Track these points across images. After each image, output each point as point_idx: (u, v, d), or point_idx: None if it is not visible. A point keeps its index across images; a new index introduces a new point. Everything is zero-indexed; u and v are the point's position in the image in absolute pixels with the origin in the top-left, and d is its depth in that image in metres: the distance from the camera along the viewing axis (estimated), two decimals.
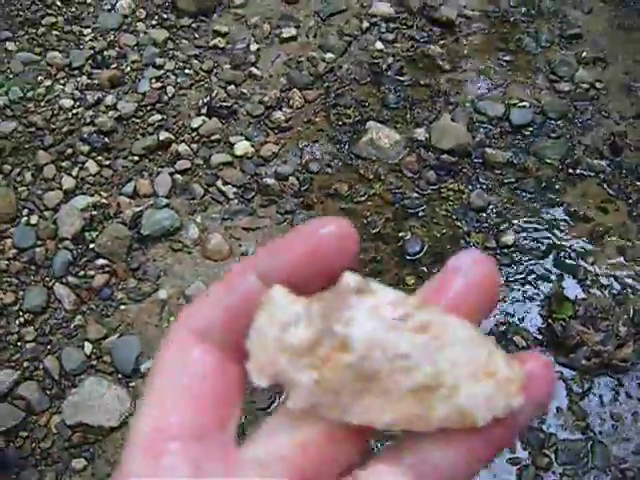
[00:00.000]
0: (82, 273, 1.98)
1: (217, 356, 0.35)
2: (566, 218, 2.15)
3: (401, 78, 2.46)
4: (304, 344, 0.33)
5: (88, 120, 2.27)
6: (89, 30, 2.53)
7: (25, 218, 2.07)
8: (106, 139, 2.24)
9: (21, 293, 1.94)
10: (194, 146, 2.25)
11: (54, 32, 2.52)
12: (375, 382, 0.32)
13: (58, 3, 2.60)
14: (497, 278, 0.35)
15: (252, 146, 2.25)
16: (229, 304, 0.35)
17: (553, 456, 1.74)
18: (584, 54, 2.56)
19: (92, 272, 1.98)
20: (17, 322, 1.90)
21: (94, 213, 2.07)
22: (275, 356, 0.33)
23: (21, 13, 2.55)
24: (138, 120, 2.30)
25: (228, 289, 0.36)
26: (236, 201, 2.14)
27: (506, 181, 2.21)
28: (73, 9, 2.59)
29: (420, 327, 0.32)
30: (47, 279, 1.97)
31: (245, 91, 2.40)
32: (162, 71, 2.43)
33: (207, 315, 0.36)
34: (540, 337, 1.91)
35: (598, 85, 2.47)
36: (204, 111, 2.33)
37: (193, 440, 0.34)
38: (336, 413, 0.33)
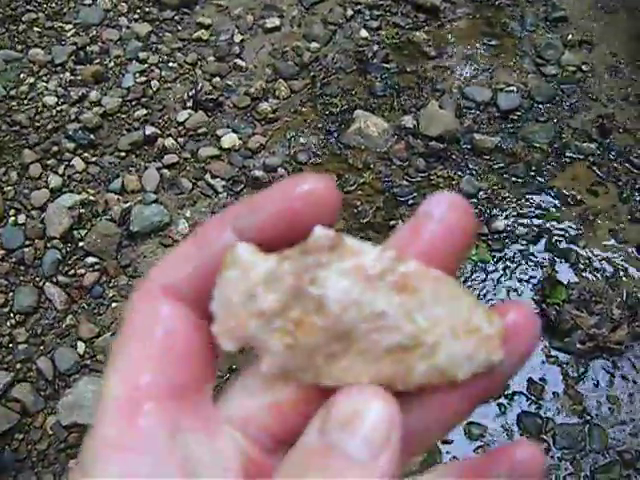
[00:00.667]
0: (72, 272, 1.97)
1: (189, 313, 0.34)
2: (556, 202, 2.14)
3: (387, 66, 2.45)
4: (274, 308, 0.31)
5: (73, 117, 2.25)
6: (70, 26, 2.50)
7: (12, 218, 2.05)
8: (92, 135, 2.21)
9: (11, 294, 1.92)
10: (181, 140, 2.23)
11: (35, 28, 2.49)
12: (351, 343, 0.30)
13: None
14: (472, 221, 0.34)
15: (239, 138, 2.23)
16: (201, 260, 0.33)
17: (551, 441, 1.74)
18: (570, 37, 2.55)
19: (82, 270, 1.97)
20: (8, 324, 1.88)
21: (82, 211, 2.05)
22: (243, 320, 0.31)
23: (0, 10, 2.52)
24: (123, 115, 2.28)
25: (201, 244, 0.34)
26: (225, 194, 2.13)
27: (495, 167, 2.21)
28: (53, 5, 2.56)
29: (398, 284, 0.30)
30: (37, 279, 1.95)
31: (230, 83, 2.38)
32: (146, 65, 2.41)
33: (178, 271, 0.34)
34: None
35: (585, 68, 2.47)
36: (190, 104, 2.32)
37: (169, 399, 0.32)
38: (311, 376, 0.31)
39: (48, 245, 1.99)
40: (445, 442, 1.73)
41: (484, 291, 1.96)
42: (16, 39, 2.46)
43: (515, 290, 1.97)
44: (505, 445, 0.33)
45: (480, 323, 0.31)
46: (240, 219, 0.33)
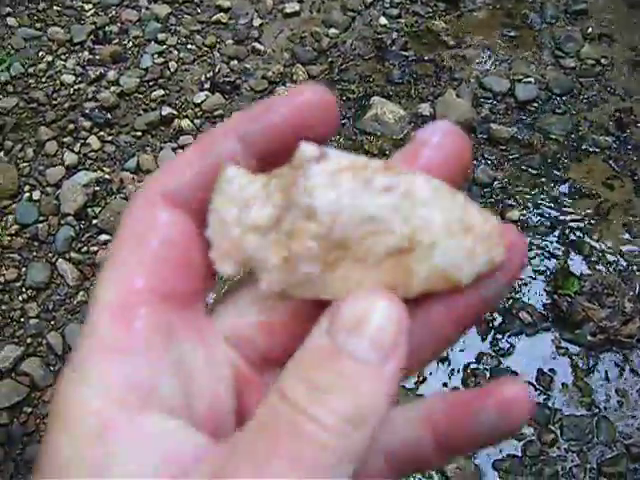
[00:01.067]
0: (85, 249, 1.97)
1: (187, 221, 0.33)
2: (571, 194, 2.13)
3: (405, 53, 2.44)
4: (266, 221, 0.31)
5: (90, 96, 2.25)
6: (90, 5, 2.50)
7: (27, 194, 2.05)
8: (108, 115, 2.22)
9: (24, 269, 1.93)
10: (197, 121, 2.23)
11: (55, 7, 2.49)
12: (347, 251, 0.30)
13: None
14: (468, 147, 0.34)
15: None
16: (204, 167, 0.33)
17: (558, 432, 1.74)
18: (589, 30, 2.54)
19: (95, 248, 1.97)
20: (20, 298, 1.89)
21: (97, 189, 2.06)
22: (239, 240, 0.31)
23: None
24: (140, 95, 2.28)
25: (204, 151, 0.34)
26: None
27: (511, 157, 2.20)
28: None
29: (387, 187, 0.30)
30: (50, 255, 1.96)
31: (248, 66, 2.38)
32: (164, 46, 2.41)
33: (179, 177, 0.33)
34: (545, 313, 1.90)
35: (604, 61, 2.45)
36: (207, 86, 2.32)
37: (163, 304, 0.32)
38: (311, 292, 0.31)
39: (62, 222, 2.00)
40: None
41: None
42: (35, 17, 2.46)
43: (527, 280, 1.96)
44: (491, 384, 0.33)
45: (476, 221, 0.31)
46: (244, 127, 0.33)
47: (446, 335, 0.34)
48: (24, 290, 1.90)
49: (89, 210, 2.02)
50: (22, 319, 1.86)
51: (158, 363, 0.31)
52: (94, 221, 2.01)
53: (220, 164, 0.33)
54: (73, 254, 1.95)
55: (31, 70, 2.32)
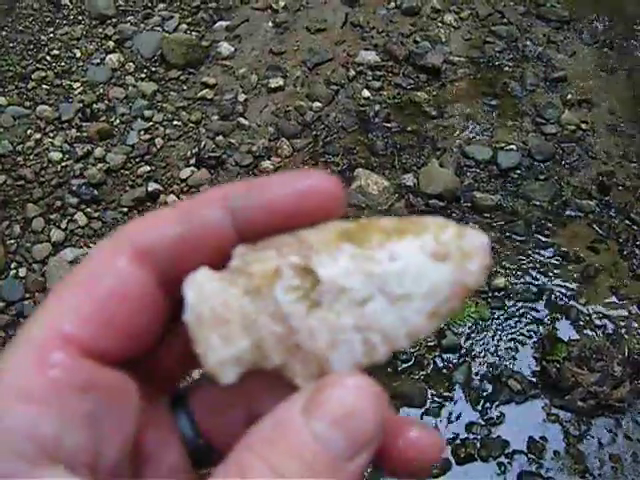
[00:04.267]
0: None
1: (151, 282, 0.32)
2: (557, 259, 2.14)
3: (388, 125, 2.48)
4: (248, 352, 0.32)
5: (77, 172, 2.28)
6: (78, 84, 2.55)
7: (14, 271, 2.06)
8: (95, 191, 2.24)
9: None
10: (183, 197, 2.25)
11: (44, 86, 2.54)
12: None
13: (48, 58, 2.62)
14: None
15: None
16: (185, 230, 0.33)
17: None
18: (569, 96, 2.58)
19: None
20: None
21: None
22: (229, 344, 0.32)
23: (11, 68, 2.58)
24: (127, 172, 2.31)
25: (188, 214, 0.33)
26: None
27: (495, 224, 2.21)
28: (63, 63, 2.61)
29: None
30: None
31: (233, 141, 2.41)
32: (151, 123, 2.45)
33: (156, 234, 0.33)
34: (534, 380, 1.89)
35: (584, 126, 2.49)
36: (193, 162, 2.34)
37: (86, 359, 0.30)
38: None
39: None
40: None
41: (483, 348, 1.95)
42: (25, 96, 2.50)
43: (515, 347, 1.96)
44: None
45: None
46: (236, 199, 0.33)
47: None
48: None
49: None
50: None
51: (66, 415, 0.29)
52: None
53: (202, 231, 0.32)
54: None
55: (19, 148, 2.35)
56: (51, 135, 2.40)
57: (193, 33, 2.73)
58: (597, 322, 2.00)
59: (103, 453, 0.31)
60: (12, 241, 2.12)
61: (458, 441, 1.79)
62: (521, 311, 2.03)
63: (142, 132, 2.41)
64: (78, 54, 2.65)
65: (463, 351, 1.94)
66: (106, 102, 2.50)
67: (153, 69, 2.62)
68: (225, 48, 2.69)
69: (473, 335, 1.98)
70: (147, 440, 0.34)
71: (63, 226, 2.16)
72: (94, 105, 2.48)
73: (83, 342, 0.31)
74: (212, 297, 0.32)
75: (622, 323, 2.00)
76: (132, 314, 0.32)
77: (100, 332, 0.31)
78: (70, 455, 0.29)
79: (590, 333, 1.98)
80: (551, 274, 2.11)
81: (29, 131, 2.40)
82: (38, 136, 2.39)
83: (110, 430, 0.31)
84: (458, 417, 1.83)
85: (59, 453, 0.29)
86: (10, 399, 0.29)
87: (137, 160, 2.34)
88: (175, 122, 2.46)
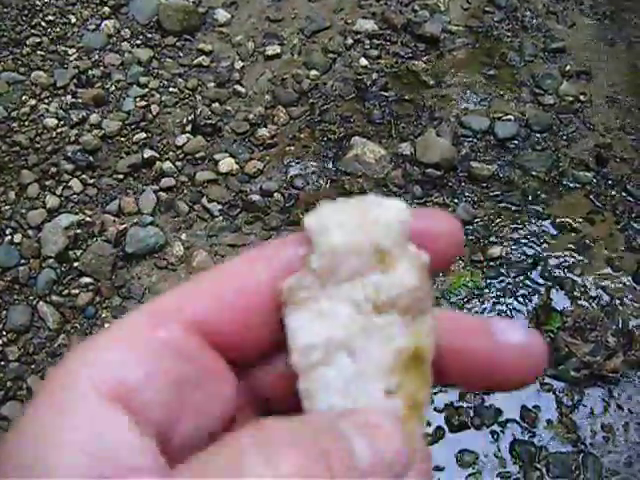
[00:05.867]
0: (66, 292, 1.97)
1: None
2: (553, 230, 2.14)
3: (386, 94, 2.46)
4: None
5: (72, 139, 2.26)
6: (74, 50, 2.53)
7: (8, 237, 2.05)
8: (90, 158, 2.23)
9: (4, 312, 1.92)
10: (179, 164, 2.24)
11: (39, 52, 2.51)
12: None
13: (43, 24, 2.60)
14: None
15: (237, 163, 2.24)
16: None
17: (544, 469, 1.72)
18: (568, 67, 2.57)
19: (76, 291, 1.97)
20: (0, 341, 1.88)
21: (78, 231, 2.06)
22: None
23: (5, 34, 2.55)
24: (123, 138, 2.29)
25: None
26: (221, 218, 2.13)
27: (492, 194, 2.21)
28: (58, 29, 2.59)
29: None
30: (31, 298, 1.95)
31: (230, 109, 2.40)
32: (146, 90, 2.43)
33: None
34: None
35: (582, 98, 2.48)
36: (189, 129, 2.33)
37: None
38: None
39: (43, 265, 2.00)
40: (437, 469, 1.71)
41: None
42: (19, 62, 2.48)
43: (509, 316, 1.96)
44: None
45: None
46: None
47: None
48: (4, 333, 1.89)
49: (70, 253, 2.02)
50: (2, 362, 1.84)
51: (156, 370, 0.30)
52: (75, 264, 2.00)
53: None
54: (54, 297, 1.95)
55: (14, 114, 2.33)
56: (46, 101, 2.38)
57: None
58: (592, 293, 2.01)
59: (179, 424, 0.30)
60: (7, 207, 2.11)
61: (452, 409, 1.80)
62: (516, 281, 2.03)
63: (138, 99, 2.40)
64: (73, 20, 2.62)
65: None
66: (102, 68, 2.48)
67: (149, 35, 2.59)
68: (222, 15, 2.67)
69: (468, 304, 1.98)
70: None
71: (58, 192, 2.15)
72: (89, 71, 2.46)
73: (199, 320, 0.31)
74: None
75: (617, 294, 2.01)
76: (250, 306, 0.32)
77: (217, 316, 0.32)
78: (141, 408, 0.29)
79: (585, 304, 1.98)
80: (546, 245, 2.11)
81: (24, 97, 2.39)
82: (33, 102, 2.37)
83: (195, 406, 0.31)
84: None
85: (131, 401, 0.29)
86: (112, 343, 0.30)
87: (133, 127, 2.32)
88: (171, 89, 2.44)
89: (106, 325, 1.92)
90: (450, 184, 2.21)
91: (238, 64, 2.53)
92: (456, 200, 2.18)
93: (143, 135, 2.30)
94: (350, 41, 2.61)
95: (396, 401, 0.31)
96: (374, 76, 2.51)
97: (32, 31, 2.57)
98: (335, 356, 0.31)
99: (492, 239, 2.11)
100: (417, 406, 0.31)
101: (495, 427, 1.78)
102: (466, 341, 0.33)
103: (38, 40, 2.55)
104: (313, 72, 2.51)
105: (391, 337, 0.31)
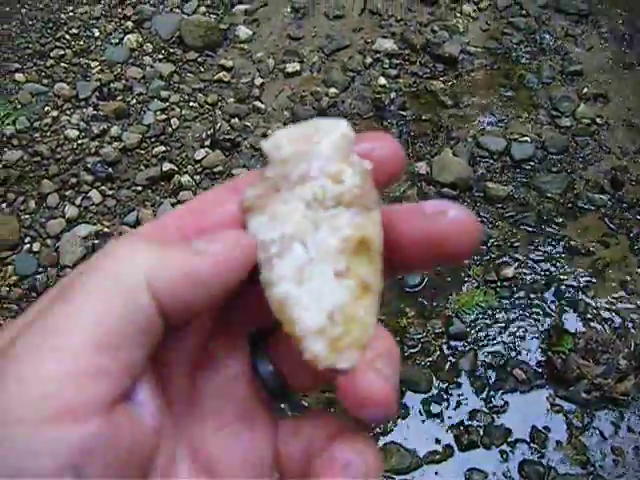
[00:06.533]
0: None
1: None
2: (567, 252, 2.15)
3: (403, 113, 2.48)
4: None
5: (93, 150, 2.30)
6: (96, 63, 2.56)
7: (27, 245, 2.08)
8: (110, 169, 2.26)
9: None
10: (197, 177, 2.27)
11: (62, 64, 2.55)
12: None
13: (67, 37, 2.64)
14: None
15: None
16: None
17: None
18: (585, 90, 2.58)
19: None
20: None
21: (96, 242, 2.08)
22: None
23: (30, 45, 2.60)
24: (142, 151, 2.32)
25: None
26: None
27: (507, 215, 2.22)
28: (81, 42, 2.63)
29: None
30: None
31: (249, 124, 2.42)
32: (167, 104, 2.46)
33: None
34: (540, 370, 1.90)
35: (599, 121, 2.49)
36: (207, 143, 2.36)
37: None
38: None
39: (60, 273, 2.02)
40: None
41: (490, 337, 1.96)
42: (43, 74, 2.52)
43: (521, 337, 1.97)
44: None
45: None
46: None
47: None
48: None
49: None
50: None
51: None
52: None
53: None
54: None
55: (36, 124, 2.37)
56: (68, 113, 2.41)
57: (212, 15, 2.74)
58: (604, 315, 2.01)
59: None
60: (27, 216, 2.14)
61: (462, 428, 1.80)
62: (529, 301, 2.04)
63: (158, 112, 2.43)
64: (97, 33, 2.66)
65: (470, 339, 1.95)
66: (123, 82, 2.51)
67: (171, 50, 2.63)
68: (243, 32, 2.70)
69: (480, 323, 1.99)
70: (210, 375, 0.37)
71: (77, 203, 2.18)
72: (111, 84, 2.50)
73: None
74: None
75: (629, 317, 2.01)
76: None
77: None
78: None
79: (597, 326, 1.98)
80: (560, 266, 2.12)
81: (46, 108, 2.42)
82: (55, 113, 2.41)
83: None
84: (462, 404, 1.84)
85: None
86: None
87: (152, 140, 2.35)
88: (191, 103, 2.47)
89: None
90: (466, 204, 2.22)
91: (258, 80, 2.56)
92: None
93: (162, 148, 2.33)
94: (369, 60, 2.64)
95: (347, 281, 0.33)
96: (392, 95, 2.53)
97: (56, 44, 2.62)
98: (289, 248, 0.34)
99: (506, 259, 2.12)
100: (368, 288, 0.33)
101: (504, 447, 1.78)
102: (408, 224, 0.36)
103: (62, 53, 2.59)
104: (332, 90, 2.53)
105: (338, 228, 0.33)
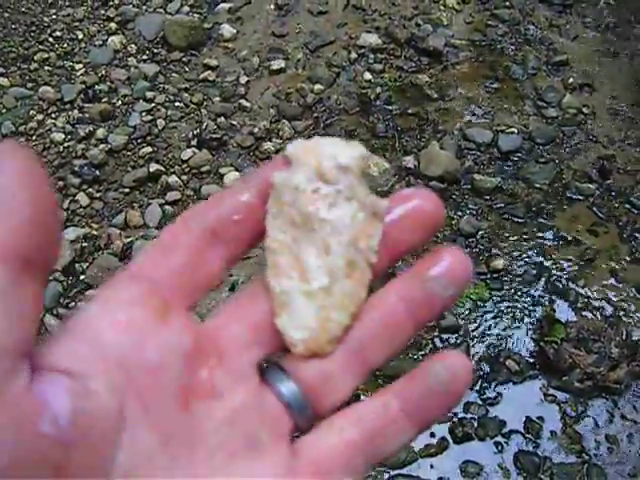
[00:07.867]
0: (73, 305, 1.98)
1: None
2: (556, 242, 2.15)
3: (389, 107, 2.48)
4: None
5: (79, 153, 2.29)
6: (80, 65, 2.55)
7: None
8: (97, 172, 2.25)
9: None
10: (184, 178, 2.26)
11: (46, 67, 2.54)
12: None
13: (50, 40, 2.63)
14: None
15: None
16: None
17: None
18: (571, 80, 2.58)
19: (83, 303, 1.98)
20: None
21: (84, 245, 2.08)
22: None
23: (14, 49, 2.58)
24: (129, 153, 2.31)
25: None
26: None
27: (495, 207, 2.22)
28: (65, 45, 2.62)
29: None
30: None
31: (235, 123, 2.41)
32: (152, 104, 2.45)
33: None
34: (532, 360, 1.90)
35: (585, 110, 2.49)
36: (194, 143, 2.35)
37: None
38: None
39: (49, 277, 2.00)
40: None
41: (482, 329, 1.96)
42: (27, 77, 2.51)
43: (513, 328, 1.97)
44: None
45: None
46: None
47: (402, 327, 0.37)
48: None
49: (77, 266, 2.04)
50: None
51: None
52: (81, 277, 2.02)
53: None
54: (60, 310, 1.96)
55: (22, 129, 2.36)
56: (53, 116, 2.40)
57: (195, 15, 2.73)
58: (595, 304, 2.01)
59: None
60: None
61: (455, 420, 1.80)
62: (520, 292, 2.04)
63: (144, 113, 2.42)
64: (80, 36, 2.65)
65: (462, 332, 1.96)
66: (108, 83, 2.50)
67: (155, 51, 2.62)
68: (227, 30, 2.69)
69: (472, 316, 1.99)
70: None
71: (65, 206, 2.17)
72: (96, 86, 2.49)
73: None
74: None
75: (620, 306, 2.01)
76: None
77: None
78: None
79: (588, 315, 1.99)
80: (550, 256, 2.12)
81: (31, 112, 2.41)
82: (40, 117, 2.39)
83: None
84: None
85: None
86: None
87: (139, 141, 2.35)
88: (177, 103, 2.46)
89: None
90: (454, 197, 2.23)
91: (243, 79, 2.55)
92: (460, 213, 2.19)
93: (149, 149, 2.32)
94: (354, 55, 2.63)
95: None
96: (378, 90, 2.52)
97: (40, 47, 2.60)
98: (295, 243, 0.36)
99: (496, 251, 2.12)
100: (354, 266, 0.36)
101: (499, 438, 1.78)
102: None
103: (46, 56, 2.57)
104: (317, 86, 2.52)
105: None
